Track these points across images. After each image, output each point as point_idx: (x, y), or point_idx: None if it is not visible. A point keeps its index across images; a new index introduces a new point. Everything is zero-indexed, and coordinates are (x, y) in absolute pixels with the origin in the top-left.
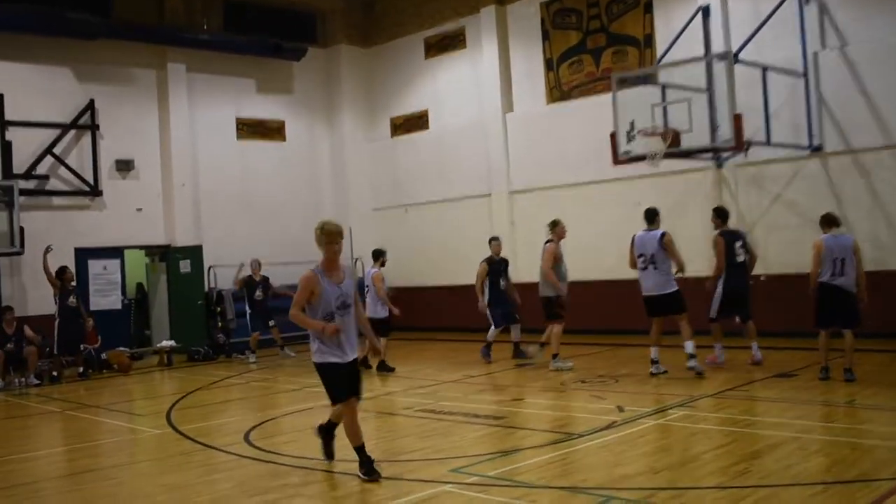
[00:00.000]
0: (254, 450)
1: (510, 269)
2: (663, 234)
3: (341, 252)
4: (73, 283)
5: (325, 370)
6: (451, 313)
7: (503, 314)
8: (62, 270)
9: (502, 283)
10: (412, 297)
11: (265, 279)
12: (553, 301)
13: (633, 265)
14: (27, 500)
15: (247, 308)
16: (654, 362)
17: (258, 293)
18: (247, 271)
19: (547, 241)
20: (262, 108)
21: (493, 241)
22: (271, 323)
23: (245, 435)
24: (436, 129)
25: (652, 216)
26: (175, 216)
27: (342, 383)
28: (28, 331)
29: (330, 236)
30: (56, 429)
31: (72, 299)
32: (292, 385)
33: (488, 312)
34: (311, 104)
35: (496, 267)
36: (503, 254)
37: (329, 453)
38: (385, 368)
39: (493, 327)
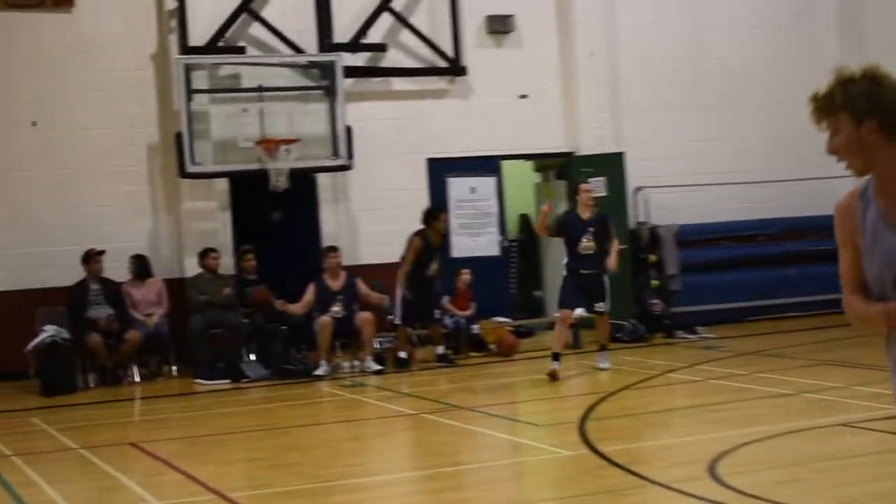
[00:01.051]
0: (728, 492)
1: None
2: None
3: None
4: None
5: None
6: None
7: None
8: (432, 214)
9: None
10: None
11: (602, 218)
12: None
13: None
14: None
15: (564, 265)
16: None
17: (586, 240)
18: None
19: None
20: None
21: None
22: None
23: (709, 465)
24: None
25: None
26: (580, 107)
27: None
28: (363, 287)
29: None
30: (406, 442)
31: (433, 267)
32: (779, 387)
33: None
34: None
35: None
36: None
37: None
38: None
39: None
